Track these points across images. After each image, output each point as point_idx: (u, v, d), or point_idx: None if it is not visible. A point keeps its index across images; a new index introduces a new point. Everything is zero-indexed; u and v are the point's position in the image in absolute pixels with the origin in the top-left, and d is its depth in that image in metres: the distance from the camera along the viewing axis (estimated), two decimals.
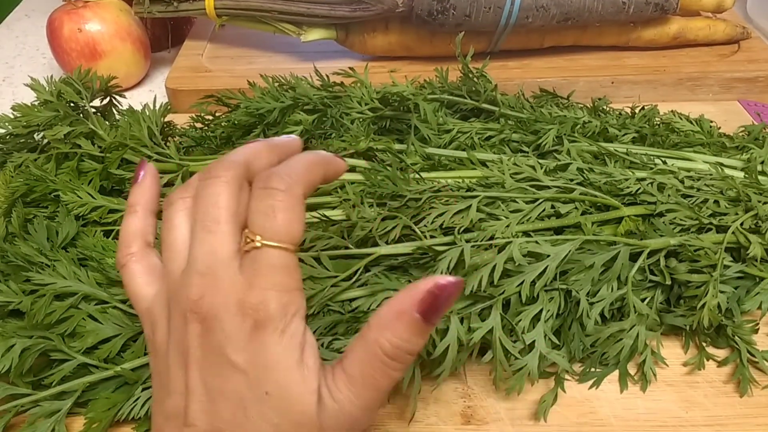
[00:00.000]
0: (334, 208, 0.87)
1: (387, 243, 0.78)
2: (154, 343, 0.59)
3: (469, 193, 0.83)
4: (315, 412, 0.55)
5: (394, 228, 0.78)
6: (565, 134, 0.95)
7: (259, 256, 0.55)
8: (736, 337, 0.79)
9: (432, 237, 0.79)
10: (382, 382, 0.56)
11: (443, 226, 0.80)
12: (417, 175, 0.88)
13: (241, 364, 0.54)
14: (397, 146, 0.96)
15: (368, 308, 0.76)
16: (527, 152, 0.95)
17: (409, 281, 0.77)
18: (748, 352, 0.78)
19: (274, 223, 0.55)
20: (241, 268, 0.55)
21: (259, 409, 0.54)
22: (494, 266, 0.73)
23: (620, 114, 1.06)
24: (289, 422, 0.54)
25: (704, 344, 0.81)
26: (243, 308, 0.54)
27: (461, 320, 0.74)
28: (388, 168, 0.89)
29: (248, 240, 0.56)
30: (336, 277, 0.76)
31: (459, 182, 0.88)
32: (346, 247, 0.78)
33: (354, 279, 0.77)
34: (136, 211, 0.66)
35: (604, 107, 1.08)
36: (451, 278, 0.56)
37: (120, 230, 0.66)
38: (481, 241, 0.77)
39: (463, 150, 0.95)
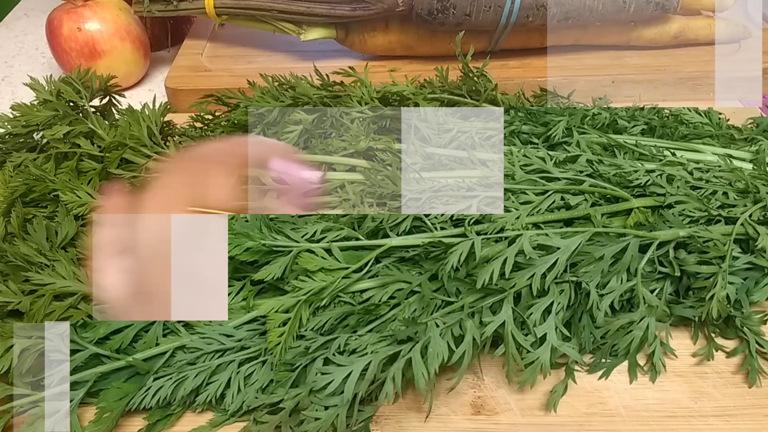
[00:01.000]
0: (334, 208, 0.87)
1: (397, 234, 0.79)
2: None
3: (470, 193, 0.83)
4: None
5: (404, 219, 0.79)
6: (574, 126, 0.96)
7: None
8: (745, 328, 0.80)
9: (442, 229, 0.79)
10: None
11: (453, 218, 0.80)
12: (417, 175, 0.88)
13: None
14: (397, 146, 0.96)
15: (379, 300, 0.76)
16: (537, 144, 0.96)
17: (420, 273, 0.77)
18: (757, 342, 0.79)
19: None
20: None
21: None
22: (505, 259, 0.74)
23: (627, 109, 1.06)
24: None
25: (713, 335, 0.82)
26: None
27: (472, 314, 0.74)
28: (389, 168, 0.89)
29: None
30: (347, 268, 0.76)
31: (459, 182, 0.88)
32: (357, 239, 0.78)
33: (365, 270, 0.78)
34: None
35: (605, 107, 1.08)
36: None
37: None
38: (492, 233, 0.77)
39: (464, 150, 0.95)
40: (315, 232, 0.79)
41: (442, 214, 0.80)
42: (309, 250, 0.76)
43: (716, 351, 0.80)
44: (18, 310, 0.78)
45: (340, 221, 0.80)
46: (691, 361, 0.80)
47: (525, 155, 0.88)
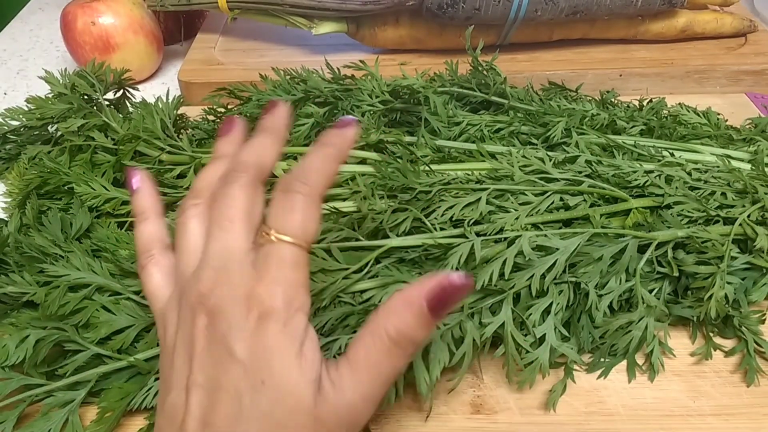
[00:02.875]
0: (345, 200, 0.87)
1: (397, 235, 0.78)
2: (164, 341, 0.60)
3: (478, 186, 0.83)
4: (311, 402, 0.55)
5: (404, 220, 0.78)
6: (573, 127, 0.95)
7: (272, 250, 0.57)
8: (743, 328, 0.79)
9: (442, 229, 0.79)
10: (385, 369, 0.57)
11: (453, 219, 0.80)
12: (427, 168, 0.88)
13: (241, 353, 0.54)
14: (408, 138, 0.96)
15: (380, 300, 0.75)
16: (536, 144, 0.95)
17: (420, 274, 0.77)
18: (755, 342, 0.78)
19: (291, 220, 0.57)
20: (254, 262, 0.57)
21: (252, 398, 0.54)
22: (505, 260, 0.73)
23: (628, 106, 1.06)
24: (282, 410, 0.54)
25: (711, 335, 0.80)
26: (250, 300, 0.55)
27: (472, 315, 0.73)
28: (399, 160, 0.89)
29: (264, 234, 0.57)
30: (347, 269, 0.75)
31: (469, 174, 0.88)
32: (357, 239, 0.78)
33: (365, 271, 0.77)
34: (148, 217, 0.68)
35: (613, 100, 1.08)
36: (462, 275, 0.56)
37: (135, 237, 0.68)
38: (491, 233, 0.77)
39: (473, 142, 0.95)
40: None
41: (442, 215, 0.80)
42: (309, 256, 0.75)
43: (714, 350, 0.79)
44: (32, 301, 0.78)
45: (340, 222, 0.80)
46: (690, 361, 0.79)
47: (524, 156, 0.87)
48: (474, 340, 0.71)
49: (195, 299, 0.56)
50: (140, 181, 0.70)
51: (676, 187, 0.84)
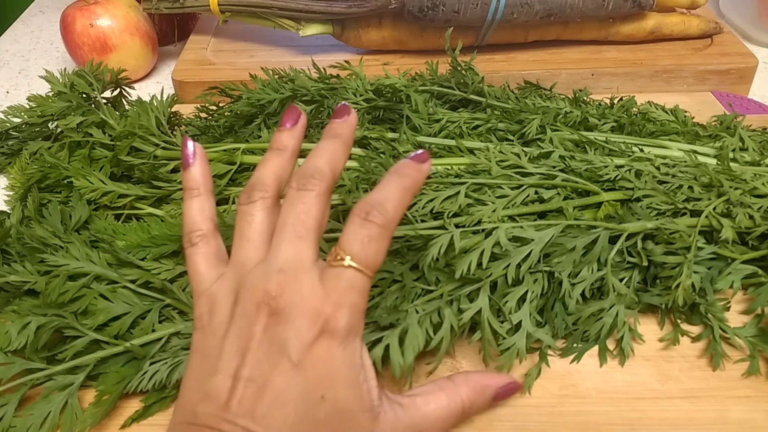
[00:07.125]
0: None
1: None
2: (211, 323, 0.59)
3: (457, 180, 0.83)
4: (369, 426, 0.57)
5: None
6: (548, 123, 0.95)
7: (344, 273, 0.57)
8: (709, 315, 0.79)
9: (423, 221, 0.79)
10: (445, 427, 0.62)
11: (433, 211, 0.80)
12: None
13: (298, 362, 0.54)
14: (390, 135, 0.96)
15: None
16: (512, 140, 0.95)
17: (402, 263, 0.76)
18: (720, 328, 0.78)
19: (367, 250, 0.57)
20: (322, 278, 0.57)
21: (308, 408, 0.54)
22: (482, 250, 0.73)
23: (600, 104, 1.06)
24: (340, 427, 0.55)
25: (679, 321, 0.80)
26: (316, 315, 0.55)
27: (451, 302, 0.73)
28: (382, 155, 0.89)
29: (338, 257, 0.57)
30: None
31: (448, 169, 0.88)
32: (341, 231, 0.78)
33: None
34: (201, 193, 0.67)
35: (585, 98, 1.08)
36: (519, 382, 0.70)
37: (185, 211, 0.67)
38: (469, 225, 0.77)
39: (452, 138, 0.95)
40: None
41: (423, 207, 0.80)
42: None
43: (682, 336, 0.79)
44: (33, 289, 0.78)
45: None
46: (658, 346, 0.79)
47: (501, 151, 0.88)
48: (452, 325, 0.71)
49: (260, 297, 0.56)
50: (195, 156, 0.69)
51: (646, 181, 0.84)
